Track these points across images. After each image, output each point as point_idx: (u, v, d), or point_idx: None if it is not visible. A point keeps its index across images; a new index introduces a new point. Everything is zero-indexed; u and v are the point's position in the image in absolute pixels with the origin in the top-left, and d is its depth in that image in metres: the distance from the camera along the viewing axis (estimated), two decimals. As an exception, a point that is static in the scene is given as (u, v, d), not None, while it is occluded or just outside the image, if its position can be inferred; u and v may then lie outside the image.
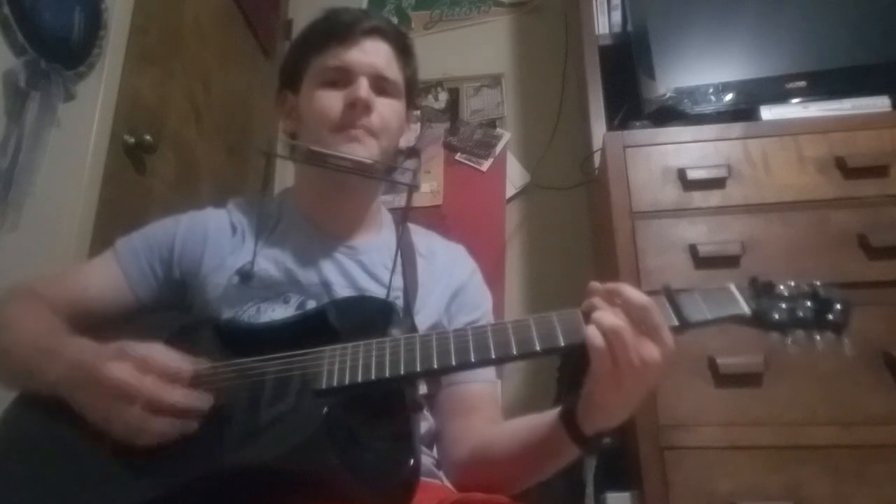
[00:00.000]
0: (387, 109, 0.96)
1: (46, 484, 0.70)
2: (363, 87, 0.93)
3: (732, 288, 0.69)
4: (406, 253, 0.99)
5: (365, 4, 2.34)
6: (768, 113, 1.36)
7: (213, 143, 1.81)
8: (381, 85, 0.96)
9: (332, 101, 0.93)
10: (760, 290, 0.68)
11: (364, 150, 0.92)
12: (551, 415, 0.77)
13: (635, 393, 0.68)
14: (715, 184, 1.26)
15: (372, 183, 0.99)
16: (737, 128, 1.31)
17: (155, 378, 0.68)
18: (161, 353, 0.71)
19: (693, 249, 1.21)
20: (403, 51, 1.01)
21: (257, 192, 1.76)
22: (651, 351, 0.64)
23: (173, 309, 0.93)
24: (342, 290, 0.93)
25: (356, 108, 0.92)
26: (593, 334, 0.64)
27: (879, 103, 1.32)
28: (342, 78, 0.94)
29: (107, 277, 0.92)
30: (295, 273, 0.93)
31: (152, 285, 0.93)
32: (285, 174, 1.97)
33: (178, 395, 0.68)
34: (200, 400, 0.69)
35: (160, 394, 0.67)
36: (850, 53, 1.39)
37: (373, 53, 0.96)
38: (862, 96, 1.33)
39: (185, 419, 0.68)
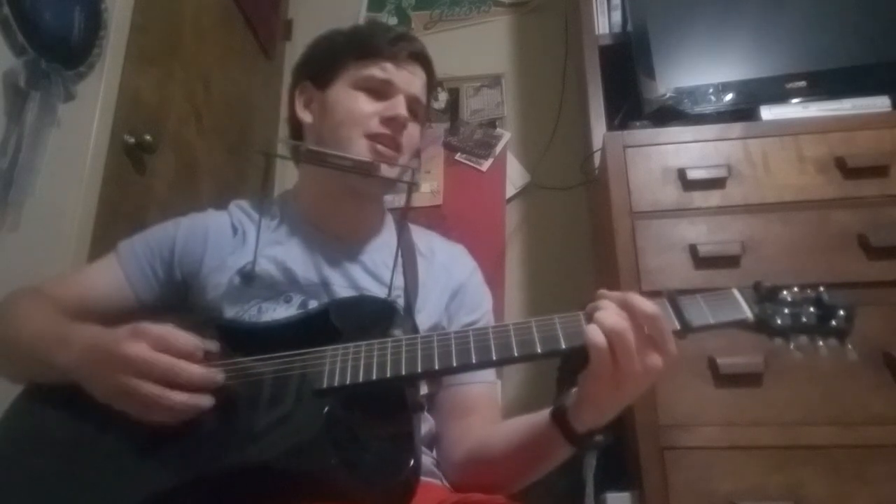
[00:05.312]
0: (414, 131, 1.01)
1: (49, 479, 0.70)
2: (403, 106, 0.97)
3: (736, 292, 0.69)
4: (407, 252, 1.00)
5: (365, 5, 2.34)
6: (768, 113, 1.36)
7: (213, 143, 1.81)
8: (414, 108, 1.01)
9: (369, 107, 0.97)
10: (764, 295, 0.68)
11: (389, 171, 0.95)
12: (544, 414, 0.78)
13: (630, 394, 0.68)
14: (715, 184, 1.26)
15: (379, 188, 1.01)
16: (737, 128, 1.31)
17: (170, 354, 0.69)
18: (174, 333, 0.72)
19: (693, 249, 1.21)
20: (432, 80, 1.07)
21: (257, 192, 1.76)
22: (654, 358, 0.65)
23: (175, 310, 0.94)
24: (342, 290, 0.93)
25: (394, 123, 0.96)
26: (593, 331, 0.65)
27: (879, 103, 1.32)
28: (382, 90, 0.98)
29: (109, 279, 0.94)
30: (295, 273, 0.93)
31: (153, 286, 0.95)
32: (285, 175, 1.97)
33: (194, 369, 0.69)
34: (214, 374, 0.70)
35: (176, 368, 0.68)
36: (850, 53, 1.39)
37: (416, 78, 1.02)
38: (862, 96, 1.33)
39: (199, 393, 0.69)
